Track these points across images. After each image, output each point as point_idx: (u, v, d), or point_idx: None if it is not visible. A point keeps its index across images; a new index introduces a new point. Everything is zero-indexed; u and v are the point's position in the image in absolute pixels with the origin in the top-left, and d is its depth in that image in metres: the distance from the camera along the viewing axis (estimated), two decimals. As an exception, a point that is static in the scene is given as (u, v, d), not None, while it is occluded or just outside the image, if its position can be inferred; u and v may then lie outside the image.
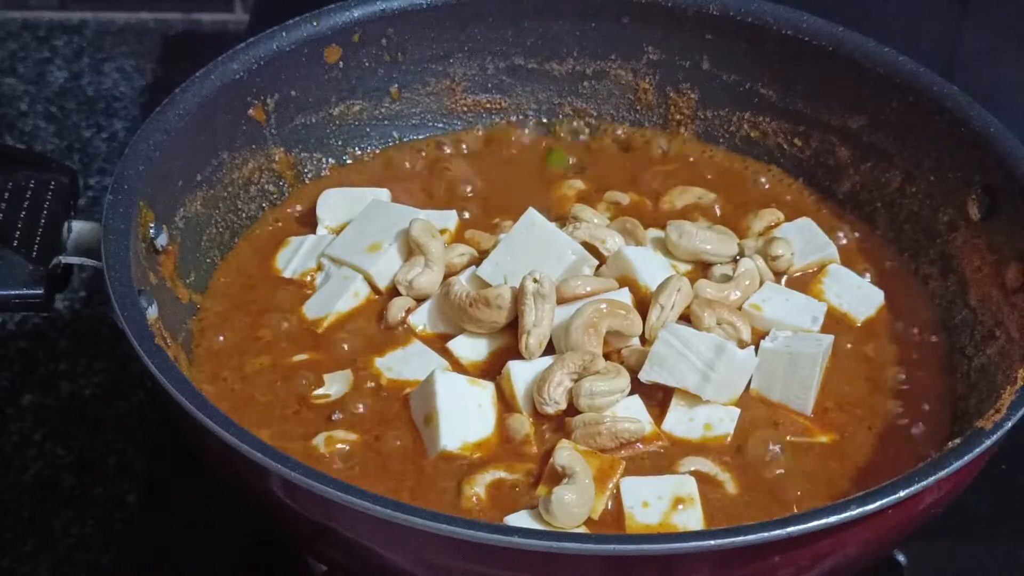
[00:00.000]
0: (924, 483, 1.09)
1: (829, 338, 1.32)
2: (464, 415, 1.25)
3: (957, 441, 1.14)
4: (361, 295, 1.38)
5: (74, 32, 2.11)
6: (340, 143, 1.54)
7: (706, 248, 1.41)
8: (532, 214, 1.38)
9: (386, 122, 1.56)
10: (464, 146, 1.58)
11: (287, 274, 1.42)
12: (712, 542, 1.04)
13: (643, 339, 1.31)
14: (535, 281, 1.29)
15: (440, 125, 1.58)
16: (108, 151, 1.91)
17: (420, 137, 1.58)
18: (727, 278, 1.38)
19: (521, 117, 1.60)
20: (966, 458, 1.11)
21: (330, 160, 1.54)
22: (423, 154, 1.56)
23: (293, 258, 1.43)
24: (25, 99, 1.99)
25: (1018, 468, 1.42)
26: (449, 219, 1.46)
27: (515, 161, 1.57)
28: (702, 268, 1.41)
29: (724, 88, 1.55)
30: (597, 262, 1.38)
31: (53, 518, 1.47)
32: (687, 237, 1.40)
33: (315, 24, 1.47)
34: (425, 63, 1.55)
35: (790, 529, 1.05)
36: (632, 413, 1.26)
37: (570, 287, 1.32)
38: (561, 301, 1.31)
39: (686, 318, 1.32)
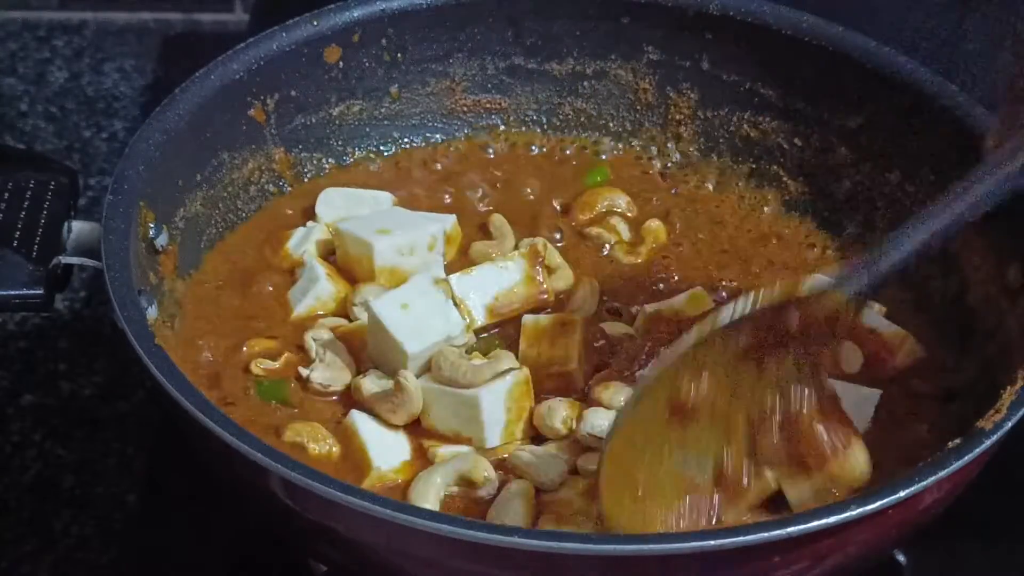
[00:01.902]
0: (924, 483, 1.08)
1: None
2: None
3: (957, 441, 1.14)
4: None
5: (74, 32, 2.11)
6: (340, 143, 1.54)
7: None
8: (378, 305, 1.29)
9: (386, 122, 1.56)
10: (463, 146, 1.58)
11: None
12: (712, 542, 1.04)
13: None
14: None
15: (440, 125, 1.58)
16: (108, 151, 1.91)
17: (420, 137, 1.58)
18: None
19: (521, 117, 1.60)
20: (966, 458, 1.11)
21: (330, 160, 1.54)
22: (422, 154, 1.56)
23: (293, 255, 1.43)
24: (25, 99, 1.99)
25: (1018, 468, 1.41)
26: (447, 222, 1.45)
27: (515, 160, 1.57)
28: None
29: (724, 88, 1.55)
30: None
31: (53, 518, 1.47)
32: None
33: (315, 24, 1.47)
34: (425, 63, 1.55)
35: (790, 529, 1.05)
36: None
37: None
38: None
39: None
